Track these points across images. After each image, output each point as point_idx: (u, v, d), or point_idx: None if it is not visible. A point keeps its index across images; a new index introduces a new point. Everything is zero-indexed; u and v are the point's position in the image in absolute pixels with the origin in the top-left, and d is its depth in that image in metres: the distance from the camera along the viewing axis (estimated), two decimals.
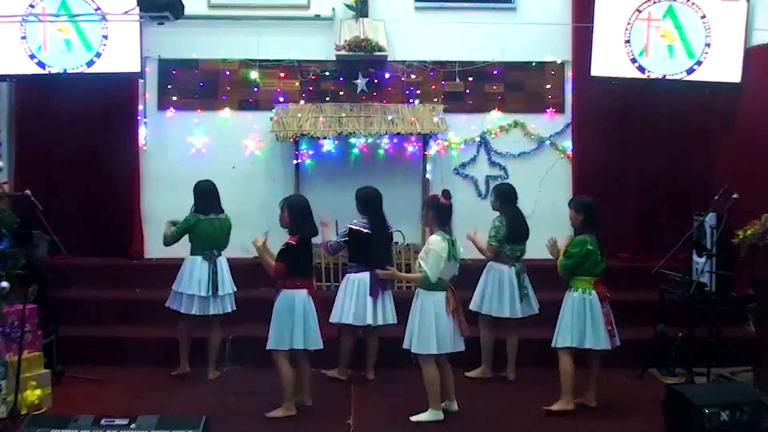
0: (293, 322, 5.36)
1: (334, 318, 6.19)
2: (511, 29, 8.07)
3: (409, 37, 8.10)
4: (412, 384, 5.66)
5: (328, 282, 7.43)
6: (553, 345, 5.56)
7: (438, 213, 5.44)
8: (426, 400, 5.40)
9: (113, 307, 7.17)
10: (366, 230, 6.21)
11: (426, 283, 5.30)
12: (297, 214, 5.50)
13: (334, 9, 8.06)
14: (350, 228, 6.24)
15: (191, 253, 6.34)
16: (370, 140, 8.01)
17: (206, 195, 6.40)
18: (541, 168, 8.23)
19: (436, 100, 8.15)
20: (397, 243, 7.76)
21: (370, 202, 6.31)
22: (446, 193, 5.52)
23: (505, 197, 6.41)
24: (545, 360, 5.78)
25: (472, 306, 6.30)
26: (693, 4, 7.53)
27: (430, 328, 5.28)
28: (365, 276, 6.18)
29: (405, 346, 5.38)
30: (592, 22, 7.54)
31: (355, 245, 6.22)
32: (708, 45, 7.52)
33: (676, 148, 8.06)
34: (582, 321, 5.45)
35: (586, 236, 5.52)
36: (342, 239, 6.26)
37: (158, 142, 8.12)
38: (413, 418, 5.36)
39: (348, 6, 7.95)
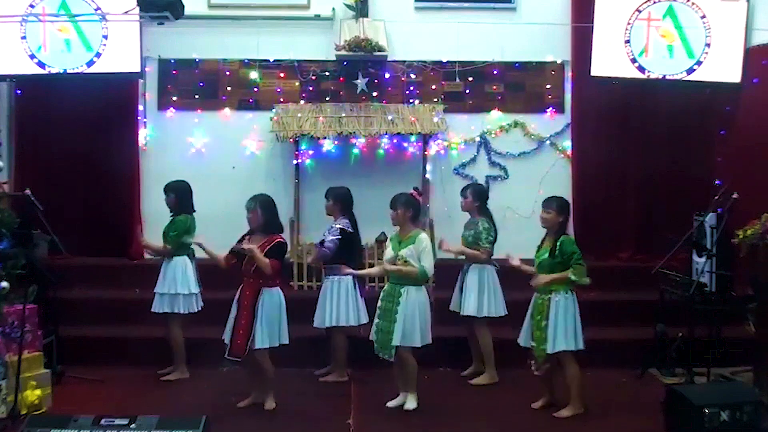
0: (280, 319, 5.51)
1: (325, 322, 6.17)
2: (511, 29, 8.08)
3: (409, 37, 8.11)
4: None
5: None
6: (553, 350, 5.40)
7: (416, 211, 5.62)
8: (421, 399, 5.48)
9: (113, 307, 7.16)
10: (352, 230, 6.24)
11: (424, 278, 5.48)
12: (271, 212, 5.56)
13: (334, 9, 8.06)
14: (341, 229, 6.18)
15: (176, 254, 6.26)
16: (370, 140, 8.01)
17: (190, 193, 6.41)
18: (541, 168, 8.23)
19: (436, 100, 8.15)
20: None
21: (349, 202, 6.33)
22: (418, 190, 5.75)
23: (483, 198, 6.42)
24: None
25: (471, 311, 6.18)
26: (693, 4, 7.53)
27: (427, 321, 5.56)
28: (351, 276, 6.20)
29: (412, 343, 5.45)
30: (592, 22, 7.54)
31: (343, 247, 6.16)
32: (708, 45, 7.52)
33: (676, 148, 8.06)
34: (573, 322, 5.43)
35: (569, 236, 5.55)
36: (336, 239, 6.15)
37: (158, 142, 8.13)
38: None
39: (348, 6, 7.95)
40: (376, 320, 5.63)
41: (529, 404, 5.70)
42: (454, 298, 6.42)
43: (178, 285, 6.20)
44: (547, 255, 5.44)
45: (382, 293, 5.64)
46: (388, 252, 5.60)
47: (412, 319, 5.44)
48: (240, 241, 5.59)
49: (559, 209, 5.51)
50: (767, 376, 5.70)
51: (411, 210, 5.55)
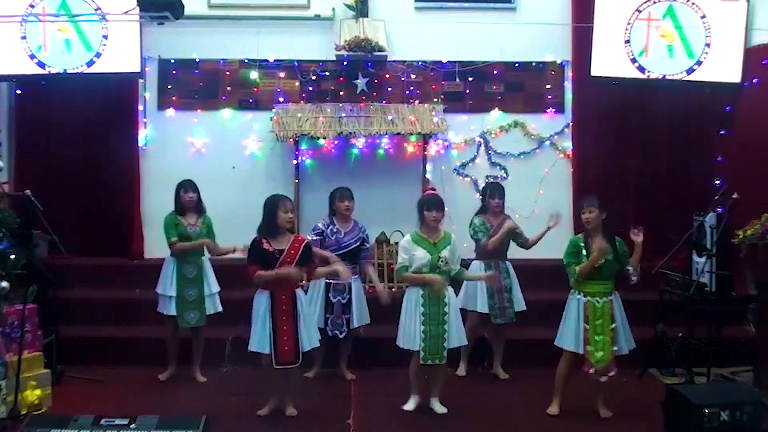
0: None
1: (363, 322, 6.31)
2: (511, 29, 8.07)
3: (409, 37, 8.11)
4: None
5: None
6: (624, 352, 5.49)
7: None
8: (423, 399, 5.49)
9: (113, 307, 7.17)
10: None
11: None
12: None
13: (334, 9, 8.06)
14: None
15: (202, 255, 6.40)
16: (369, 140, 8.01)
17: None
18: (541, 168, 8.24)
19: (436, 100, 8.15)
20: (397, 243, 7.77)
21: None
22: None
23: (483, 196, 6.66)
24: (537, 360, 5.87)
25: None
26: (693, 4, 7.53)
27: None
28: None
29: (462, 343, 5.63)
30: (592, 22, 7.54)
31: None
32: (708, 45, 7.52)
33: (676, 148, 8.06)
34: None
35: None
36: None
37: (158, 142, 8.13)
38: None
39: (348, 6, 7.95)
40: (421, 327, 5.37)
41: (529, 404, 5.71)
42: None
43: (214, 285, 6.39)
44: (611, 258, 5.34)
45: (421, 298, 5.39)
46: (421, 255, 5.38)
47: (457, 320, 5.51)
48: (258, 244, 5.44)
49: (601, 207, 5.40)
50: (767, 376, 5.70)
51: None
